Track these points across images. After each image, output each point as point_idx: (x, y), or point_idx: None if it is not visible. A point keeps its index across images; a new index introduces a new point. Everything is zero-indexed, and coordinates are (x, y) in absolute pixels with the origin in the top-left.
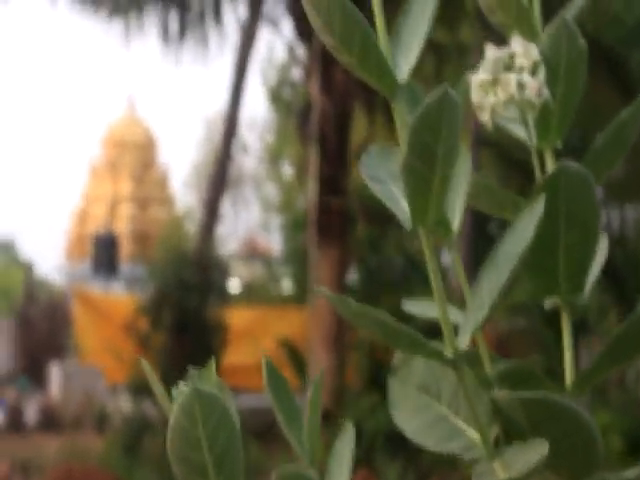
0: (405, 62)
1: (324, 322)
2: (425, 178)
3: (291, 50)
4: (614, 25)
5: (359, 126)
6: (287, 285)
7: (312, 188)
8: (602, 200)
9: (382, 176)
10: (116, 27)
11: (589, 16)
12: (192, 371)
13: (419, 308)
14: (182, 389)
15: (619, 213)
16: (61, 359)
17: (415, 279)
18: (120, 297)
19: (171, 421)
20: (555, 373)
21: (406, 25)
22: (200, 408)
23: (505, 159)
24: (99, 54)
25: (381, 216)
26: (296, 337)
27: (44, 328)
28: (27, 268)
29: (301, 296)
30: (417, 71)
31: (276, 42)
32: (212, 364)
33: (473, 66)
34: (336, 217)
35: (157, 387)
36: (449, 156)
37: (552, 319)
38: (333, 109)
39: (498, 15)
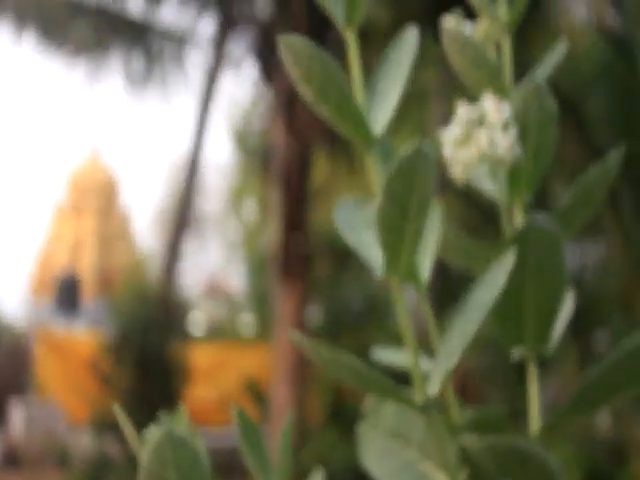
0: (381, 115)
1: (285, 358)
2: (398, 229)
3: (254, 90)
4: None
5: (321, 165)
6: (250, 324)
7: (275, 227)
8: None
9: (355, 225)
10: (80, 68)
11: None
12: (163, 414)
13: (388, 355)
14: (154, 432)
15: (578, 247)
16: (23, 398)
17: (376, 315)
18: (82, 336)
19: (143, 464)
20: (518, 413)
21: (383, 76)
22: (172, 452)
23: (469, 202)
24: (62, 94)
25: (341, 253)
26: (258, 374)
27: (6, 367)
28: None
29: (264, 334)
30: None
31: (239, 83)
32: (184, 408)
33: (432, 113)
34: (298, 255)
35: (128, 428)
36: (422, 208)
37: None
38: (296, 148)
39: (469, 73)
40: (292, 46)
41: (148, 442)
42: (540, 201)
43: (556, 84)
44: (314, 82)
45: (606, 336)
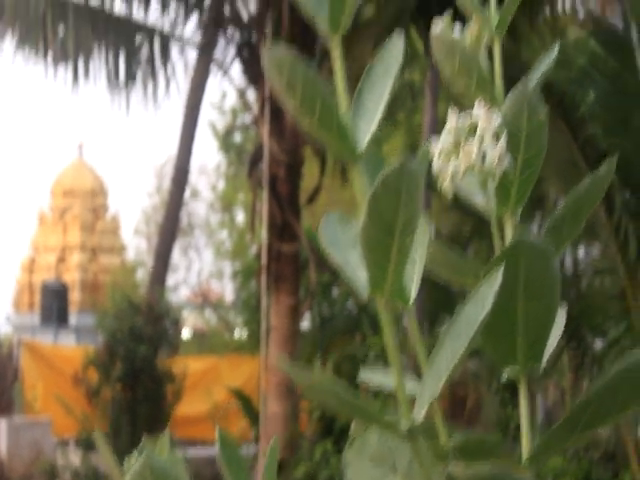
0: (366, 128)
1: (276, 370)
2: (384, 247)
3: (241, 95)
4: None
5: (310, 171)
6: (240, 332)
7: (263, 234)
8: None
9: (341, 242)
10: (64, 72)
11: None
12: (146, 441)
13: (376, 378)
14: (135, 461)
15: (572, 252)
16: (9, 413)
17: (366, 324)
18: (70, 348)
19: None
20: (508, 421)
21: (368, 89)
22: None
23: (456, 204)
24: (47, 100)
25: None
26: (249, 386)
27: None
28: None
29: (254, 343)
30: None
31: (226, 87)
32: (167, 436)
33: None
34: (288, 263)
35: (106, 454)
36: (408, 225)
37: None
38: (284, 154)
39: (460, 82)
40: (275, 56)
41: (130, 471)
42: (530, 202)
43: (548, 78)
44: (297, 93)
45: (601, 340)
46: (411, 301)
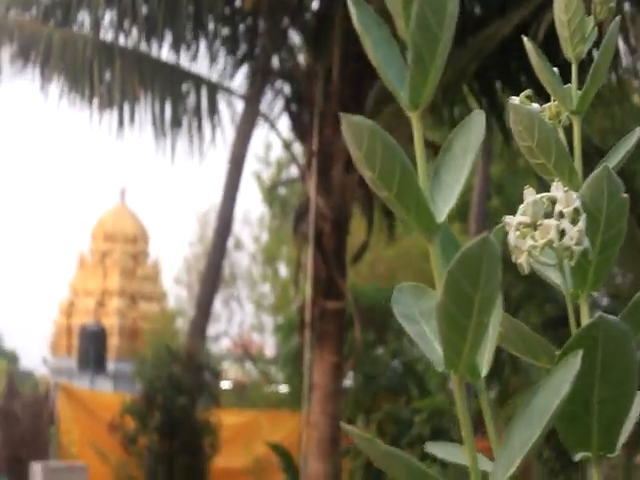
0: (444, 203)
1: (319, 427)
2: (460, 325)
3: (288, 148)
4: (618, 135)
5: (357, 227)
6: (281, 387)
7: (308, 289)
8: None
9: (414, 315)
10: (109, 118)
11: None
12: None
13: (445, 452)
14: None
15: None
16: (44, 458)
17: (411, 384)
18: (107, 394)
19: None
20: None
21: (446, 164)
22: None
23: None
24: (91, 145)
25: (378, 320)
26: (288, 442)
27: (27, 423)
28: (11, 359)
29: (295, 399)
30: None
31: (273, 140)
32: None
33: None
34: (332, 320)
35: None
36: (487, 303)
37: None
38: (330, 210)
39: (538, 158)
40: (354, 123)
41: None
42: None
43: (604, 148)
44: (376, 165)
45: None
46: (482, 377)
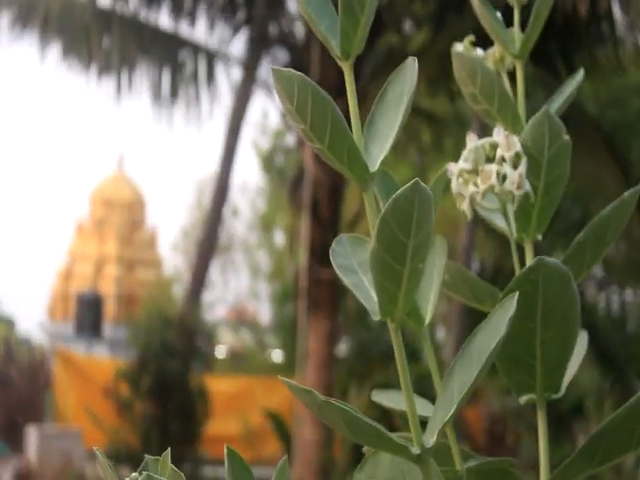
0: (378, 150)
1: None
2: (394, 271)
3: (284, 116)
4: (616, 107)
5: (352, 195)
6: (276, 354)
7: (303, 257)
8: (602, 282)
9: (352, 265)
10: (107, 84)
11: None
12: (149, 459)
13: (390, 399)
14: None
15: (619, 296)
16: (40, 422)
17: (405, 352)
18: (103, 359)
19: None
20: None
21: (380, 112)
22: None
23: (499, 237)
24: (89, 111)
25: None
26: (282, 409)
27: (23, 388)
28: (8, 324)
29: (289, 366)
30: (415, 143)
31: (270, 107)
32: (168, 454)
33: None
34: (327, 288)
35: (107, 472)
36: (420, 249)
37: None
38: (326, 177)
39: (481, 104)
40: (283, 77)
41: None
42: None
43: (600, 118)
44: (306, 116)
45: None
46: (426, 323)
